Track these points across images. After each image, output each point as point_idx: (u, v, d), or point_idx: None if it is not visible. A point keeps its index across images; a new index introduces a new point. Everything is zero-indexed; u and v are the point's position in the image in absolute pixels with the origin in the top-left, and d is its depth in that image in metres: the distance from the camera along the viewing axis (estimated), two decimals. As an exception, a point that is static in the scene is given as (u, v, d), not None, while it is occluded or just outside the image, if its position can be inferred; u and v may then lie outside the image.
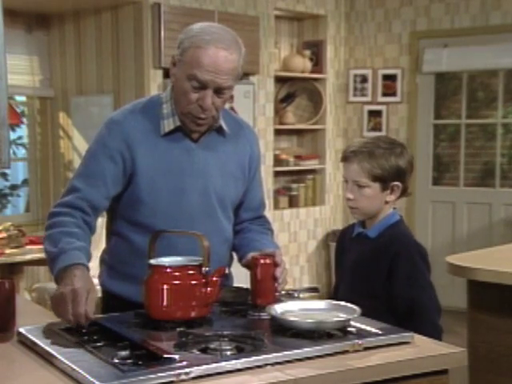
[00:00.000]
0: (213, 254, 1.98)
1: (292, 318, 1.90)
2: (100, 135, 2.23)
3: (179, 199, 2.21)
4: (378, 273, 2.36)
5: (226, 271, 2.03)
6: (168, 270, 1.94)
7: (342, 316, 1.93)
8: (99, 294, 2.23)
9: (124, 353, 1.70)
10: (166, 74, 5.37)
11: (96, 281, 2.04)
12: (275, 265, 2.13)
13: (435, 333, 2.22)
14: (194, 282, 1.93)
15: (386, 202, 2.43)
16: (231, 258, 2.40)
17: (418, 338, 1.92)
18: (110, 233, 2.33)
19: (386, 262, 2.35)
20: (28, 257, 4.56)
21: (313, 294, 2.40)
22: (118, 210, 2.26)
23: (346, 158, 2.42)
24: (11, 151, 5.13)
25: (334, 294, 2.53)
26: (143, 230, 2.19)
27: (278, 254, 2.14)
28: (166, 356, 1.67)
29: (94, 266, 2.19)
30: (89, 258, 2.05)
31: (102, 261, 2.38)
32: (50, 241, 2.09)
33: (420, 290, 2.33)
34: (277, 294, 2.14)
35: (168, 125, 2.21)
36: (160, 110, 2.22)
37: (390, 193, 2.41)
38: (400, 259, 2.34)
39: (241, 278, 2.49)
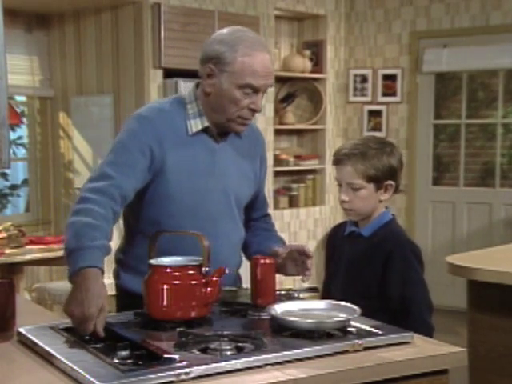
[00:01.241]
0: (233, 254, 2.12)
1: (292, 318, 1.90)
2: (130, 128, 2.22)
3: (204, 200, 2.24)
4: (373, 271, 2.37)
5: (227, 271, 2.03)
6: (168, 270, 1.95)
7: (342, 316, 1.93)
8: (112, 292, 2.23)
9: (124, 353, 1.70)
10: (166, 74, 5.38)
11: (106, 281, 2.01)
12: (307, 256, 2.23)
13: (426, 331, 2.23)
14: (193, 282, 1.93)
15: (380, 201, 2.45)
16: (241, 258, 2.42)
17: (418, 338, 1.92)
18: (131, 233, 2.33)
19: (381, 260, 2.37)
20: (28, 257, 4.56)
21: (313, 293, 2.40)
22: (140, 210, 2.26)
23: (338, 160, 2.44)
24: (11, 151, 5.13)
25: (325, 293, 2.53)
26: (164, 229, 2.19)
27: (307, 247, 2.25)
28: (166, 356, 1.67)
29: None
30: (108, 252, 2.03)
31: (119, 261, 2.38)
32: (73, 230, 2.01)
33: (413, 288, 2.35)
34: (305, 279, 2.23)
35: (195, 125, 2.24)
36: (185, 111, 2.25)
37: (383, 192, 2.43)
38: (394, 257, 2.36)
39: (241, 278, 2.49)
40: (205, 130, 2.25)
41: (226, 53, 2.16)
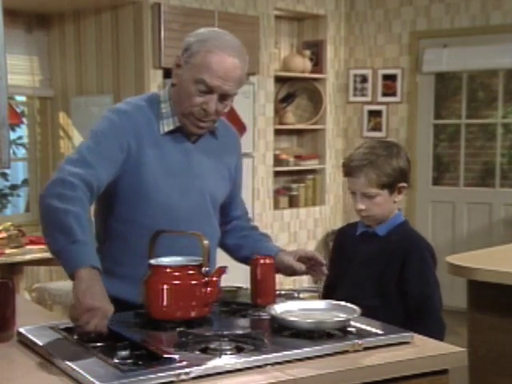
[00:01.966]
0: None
1: (292, 318, 1.90)
2: (109, 120, 2.17)
3: (179, 199, 2.21)
4: (390, 269, 2.40)
5: (227, 271, 2.03)
6: (168, 270, 1.95)
7: (342, 316, 1.93)
8: None
9: (124, 353, 1.70)
10: (166, 74, 5.37)
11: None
12: (320, 264, 2.28)
13: (441, 328, 2.33)
14: (193, 282, 1.93)
15: (394, 203, 2.49)
16: (215, 259, 2.40)
17: (418, 338, 1.92)
18: (104, 232, 2.26)
19: (398, 258, 2.40)
20: (28, 257, 4.56)
21: (313, 294, 2.41)
22: (113, 209, 2.21)
23: (349, 172, 2.47)
24: (11, 151, 5.13)
25: (327, 294, 2.54)
26: (143, 230, 2.16)
27: (318, 255, 2.31)
28: (165, 356, 1.67)
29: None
30: None
31: None
32: (77, 221, 1.92)
33: (430, 287, 2.40)
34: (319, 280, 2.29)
35: (168, 125, 2.21)
36: (159, 110, 2.22)
37: (397, 194, 2.47)
38: (412, 256, 2.41)
39: (241, 277, 2.50)
40: (179, 129, 2.21)
41: (194, 44, 2.12)
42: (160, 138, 2.20)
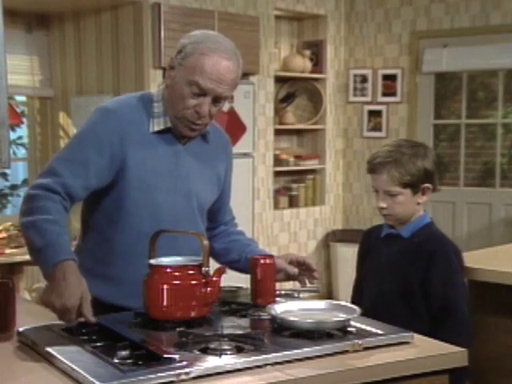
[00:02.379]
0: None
1: (292, 318, 1.90)
2: (91, 122, 2.17)
3: (165, 200, 2.20)
4: (415, 271, 2.39)
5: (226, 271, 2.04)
6: (168, 270, 1.95)
7: (342, 316, 1.93)
8: None
9: (124, 353, 1.70)
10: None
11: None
12: (311, 270, 2.25)
13: (468, 330, 2.31)
14: (193, 282, 1.93)
15: (418, 204, 2.47)
16: None
17: (418, 338, 1.92)
18: (87, 232, 2.26)
19: (423, 260, 2.39)
20: (28, 257, 4.52)
21: (313, 293, 2.41)
22: (100, 208, 2.20)
23: (373, 169, 2.45)
24: (11, 151, 5.13)
25: (355, 296, 2.53)
26: (126, 230, 2.17)
27: (310, 260, 2.29)
28: (165, 356, 1.67)
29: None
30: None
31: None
32: (34, 229, 1.98)
33: (455, 289, 2.38)
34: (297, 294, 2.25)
35: (158, 124, 2.19)
36: (151, 109, 2.21)
37: (421, 195, 2.46)
38: (437, 258, 2.38)
39: (241, 278, 2.50)
40: (169, 131, 2.20)
41: (188, 46, 2.11)
42: (149, 137, 2.18)
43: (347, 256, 6.54)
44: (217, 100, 2.13)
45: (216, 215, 2.41)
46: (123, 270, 2.16)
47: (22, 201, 2.08)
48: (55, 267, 1.92)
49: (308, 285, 2.30)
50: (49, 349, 1.78)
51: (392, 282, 2.42)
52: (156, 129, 2.19)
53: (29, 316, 2.14)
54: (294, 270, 2.26)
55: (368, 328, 1.93)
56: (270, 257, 2.20)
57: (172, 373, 1.59)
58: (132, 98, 2.24)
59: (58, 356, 1.72)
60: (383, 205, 2.43)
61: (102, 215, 2.20)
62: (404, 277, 2.39)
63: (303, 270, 2.28)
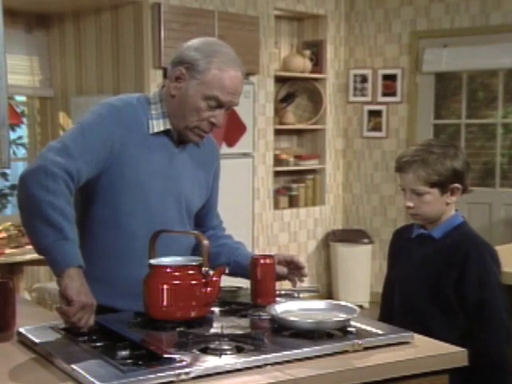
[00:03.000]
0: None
1: (292, 318, 1.90)
2: (99, 114, 2.16)
3: (157, 201, 2.20)
4: (448, 272, 2.35)
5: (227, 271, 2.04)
6: (168, 270, 1.95)
7: (342, 316, 1.93)
8: None
9: (124, 353, 1.71)
10: (166, 73, 5.36)
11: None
12: (300, 268, 2.25)
13: (504, 332, 2.28)
14: (193, 282, 1.93)
15: (447, 204, 2.43)
16: None
17: (418, 338, 1.92)
18: (79, 234, 2.18)
19: (457, 261, 2.35)
20: (28, 257, 4.55)
21: (313, 293, 2.41)
22: (93, 208, 2.19)
23: (400, 168, 2.43)
24: (11, 151, 5.13)
25: (385, 299, 2.53)
26: (117, 230, 2.17)
27: (296, 258, 2.29)
28: (165, 356, 1.67)
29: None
30: None
31: None
32: (64, 217, 1.93)
33: (490, 290, 2.33)
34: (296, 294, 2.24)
35: (157, 125, 2.21)
36: (148, 110, 2.22)
37: (450, 195, 2.41)
38: (471, 259, 2.34)
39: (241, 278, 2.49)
40: (166, 133, 2.22)
41: (201, 61, 2.14)
42: (147, 138, 2.20)
43: (347, 256, 6.54)
44: (228, 108, 2.21)
45: (204, 220, 2.43)
46: (116, 271, 2.17)
47: (35, 169, 1.97)
48: (77, 267, 1.91)
49: (299, 284, 2.30)
50: (49, 349, 1.78)
51: (423, 284, 2.38)
52: (156, 130, 2.20)
53: (29, 316, 2.14)
54: (284, 270, 2.27)
55: (368, 328, 1.93)
56: (270, 257, 2.20)
57: (172, 373, 1.59)
58: (132, 99, 2.25)
59: (58, 356, 1.72)
60: (410, 204, 2.40)
61: (95, 216, 2.20)
62: (436, 278, 2.36)
63: (292, 268, 2.28)
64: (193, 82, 2.15)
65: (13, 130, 6.70)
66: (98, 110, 2.18)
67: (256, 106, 6.03)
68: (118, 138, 2.14)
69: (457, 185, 2.41)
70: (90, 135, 2.10)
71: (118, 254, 2.16)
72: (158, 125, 2.21)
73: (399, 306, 2.44)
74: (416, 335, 1.92)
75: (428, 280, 2.39)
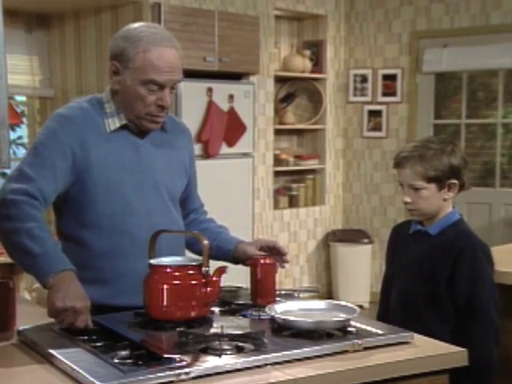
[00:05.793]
0: (177, 247, 2.14)
1: (292, 318, 1.90)
2: (49, 128, 2.19)
3: (135, 195, 2.21)
4: (442, 269, 2.37)
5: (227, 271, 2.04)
6: (168, 270, 1.95)
7: (342, 316, 1.93)
8: None
9: (124, 353, 1.71)
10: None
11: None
12: (282, 254, 2.26)
13: (493, 331, 2.29)
14: (193, 282, 1.93)
15: (445, 200, 2.45)
16: (184, 251, 2.40)
17: (418, 338, 1.92)
18: (63, 240, 2.26)
19: (451, 258, 2.36)
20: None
21: (313, 293, 2.41)
22: (72, 214, 2.21)
23: (398, 163, 2.46)
24: (11, 151, 5.13)
25: (384, 293, 2.54)
26: (101, 230, 2.18)
27: (279, 244, 2.31)
28: (165, 356, 1.67)
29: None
30: None
31: None
32: (30, 237, 1.99)
33: (482, 287, 2.35)
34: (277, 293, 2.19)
35: (113, 123, 2.22)
36: (103, 110, 2.23)
37: (447, 191, 2.44)
38: (464, 256, 2.36)
39: (241, 278, 2.50)
40: (125, 127, 2.23)
41: (128, 48, 2.14)
42: (107, 137, 2.20)
43: (347, 256, 6.54)
44: (172, 87, 2.19)
45: (184, 203, 2.43)
46: (106, 271, 2.17)
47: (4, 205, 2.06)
48: (59, 274, 1.95)
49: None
50: (49, 349, 1.78)
51: (418, 280, 2.40)
52: (112, 128, 2.22)
53: (29, 316, 2.14)
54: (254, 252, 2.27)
55: (368, 328, 1.93)
56: (270, 257, 2.20)
57: (172, 373, 1.59)
58: (83, 103, 2.26)
59: (58, 356, 1.72)
60: (407, 199, 2.43)
61: (72, 221, 2.21)
62: (430, 275, 2.38)
63: (274, 254, 2.28)
64: (127, 71, 2.16)
65: (13, 129, 6.69)
66: (49, 125, 2.20)
67: (256, 105, 6.03)
68: (76, 144, 2.15)
69: (454, 180, 2.45)
70: (45, 152, 2.14)
71: (105, 253, 2.17)
72: (114, 122, 2.22)
73: (395, 301, 2.46)
74: (416, 335, 1.92)
75: (422, 277, 2.41)
